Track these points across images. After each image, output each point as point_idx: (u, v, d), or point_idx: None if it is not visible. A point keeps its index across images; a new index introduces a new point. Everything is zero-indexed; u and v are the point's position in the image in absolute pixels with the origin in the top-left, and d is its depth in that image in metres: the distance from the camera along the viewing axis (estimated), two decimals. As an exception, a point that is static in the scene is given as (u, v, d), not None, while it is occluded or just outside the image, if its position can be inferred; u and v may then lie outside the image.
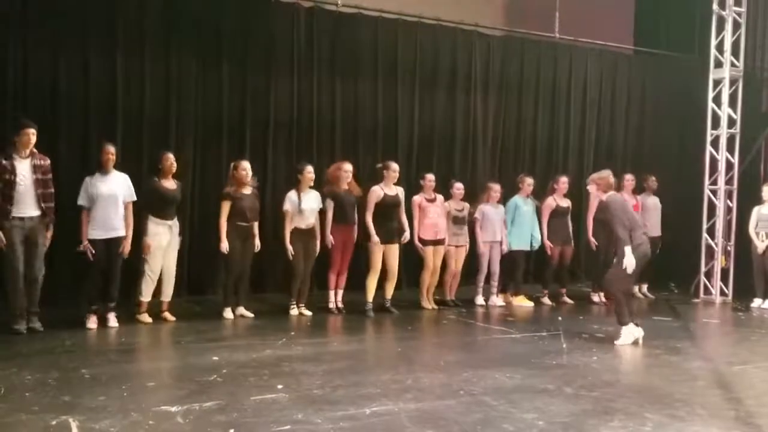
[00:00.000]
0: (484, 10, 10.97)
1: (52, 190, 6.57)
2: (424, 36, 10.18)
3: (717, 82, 10.13)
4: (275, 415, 4.25)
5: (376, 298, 8.10)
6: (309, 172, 7.87)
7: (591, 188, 7.03)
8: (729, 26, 9.94)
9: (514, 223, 8.93)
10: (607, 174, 6.93)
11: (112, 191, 6.84)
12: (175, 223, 7.36)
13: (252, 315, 7.59)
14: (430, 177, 8.48)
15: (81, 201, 6.81)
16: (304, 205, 7.73)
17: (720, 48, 10.06)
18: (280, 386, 4.89)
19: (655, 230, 9.86)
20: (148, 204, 7.19)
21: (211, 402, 4.47)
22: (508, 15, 11.44)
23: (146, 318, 7.17)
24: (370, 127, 9.84)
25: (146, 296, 7.23)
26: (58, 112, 7.98)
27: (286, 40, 9.28)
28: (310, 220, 7.81)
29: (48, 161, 6.57)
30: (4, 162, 6.33)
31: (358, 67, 9.77)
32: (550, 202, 9.19)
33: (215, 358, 5.72)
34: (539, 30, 10.95)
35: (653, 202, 10.09)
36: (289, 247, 7.71)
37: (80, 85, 8.12)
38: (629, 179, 9.73)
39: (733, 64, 10.04)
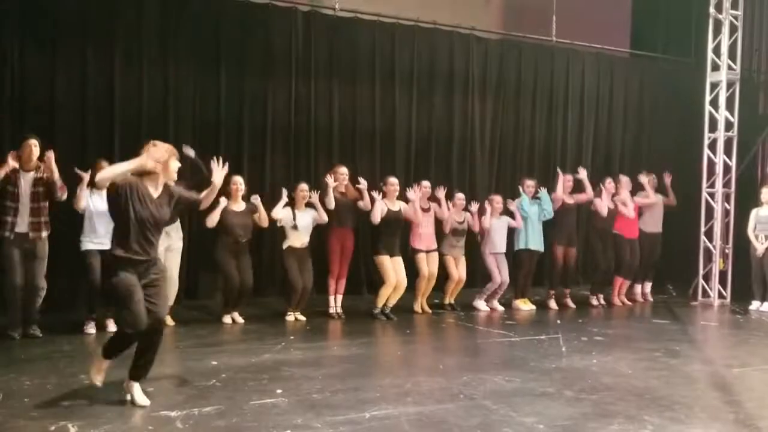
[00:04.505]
0: (481, 13, 10.99)
1: (46, 203, 6.49)
2: (422, 40, 10.19)
3: (714, 85, 10.15)
4: (275, 419, 4.25)
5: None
6: (302, 190, 7.82)
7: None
8: (726, 29, 9.97)
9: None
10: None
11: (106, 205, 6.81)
12: (174, 228, 7.31)
13: (243, 321, 7.51)
14: (426, 184, 8.44)
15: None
16: (299, 222, 7.71)
17: (717, 51, 10.08)
18: (279, 391, 4.88)
19: (656, 227, 9.86)
20: None
21: (211, 407, 4.46)
22: (505, 18, 11.45)
23: None
24: (368, 131, 9.84)
25: None
26: (55, 117, 7.97)
27: (284, 44, 9.29)
28: (304, 238, 7.78)
29: (53, 176, 6.45)
30: (7, 173, 6.29)
31: (356, 71, 9.78)
32: (559, 196, 9.11)
33: (214, 362, 5.72)
34: (536, 33, 10.97)
35: (656, 199, 9.93)
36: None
37: (78, 89, 8.12)
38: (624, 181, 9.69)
39: (730, 67, 10.07)
